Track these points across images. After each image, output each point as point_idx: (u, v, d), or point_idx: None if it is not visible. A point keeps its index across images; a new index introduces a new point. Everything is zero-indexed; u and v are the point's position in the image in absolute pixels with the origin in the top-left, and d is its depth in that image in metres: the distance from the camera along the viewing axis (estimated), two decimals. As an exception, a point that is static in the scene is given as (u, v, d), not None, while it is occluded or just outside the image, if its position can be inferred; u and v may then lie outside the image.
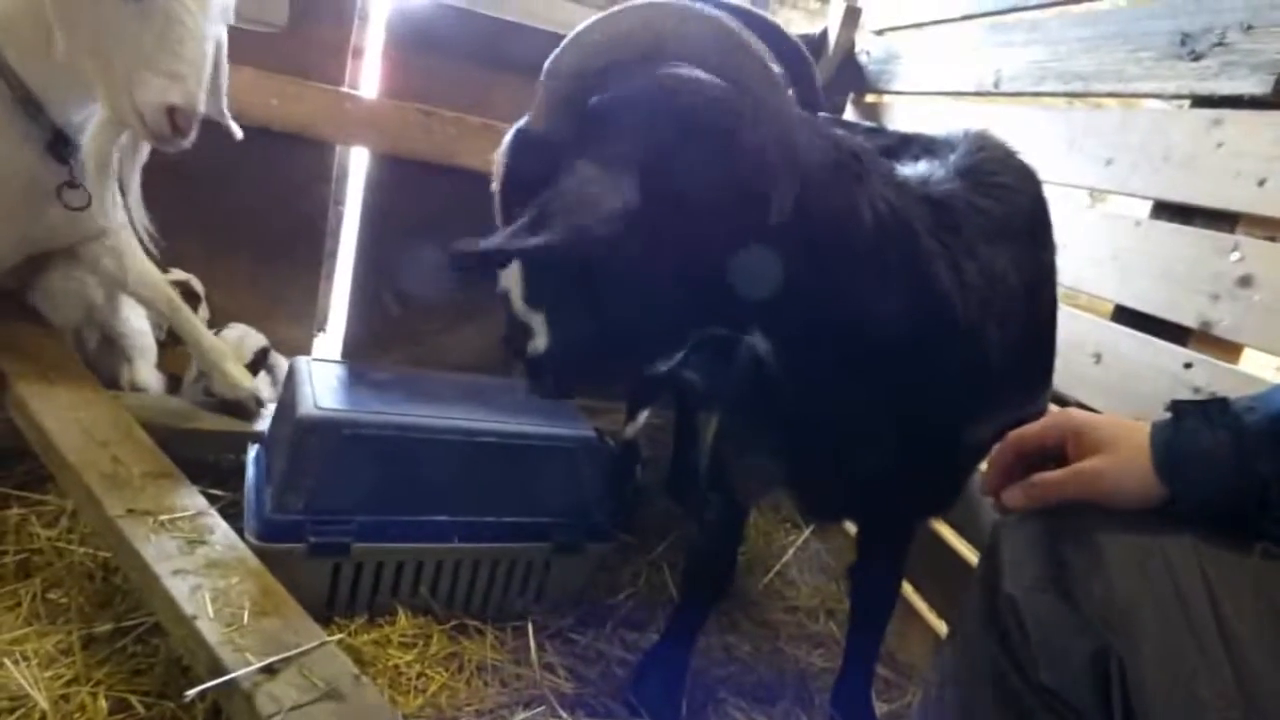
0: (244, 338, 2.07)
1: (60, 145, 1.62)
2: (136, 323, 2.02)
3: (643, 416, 2.19)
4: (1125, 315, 1.52)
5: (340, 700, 1.14)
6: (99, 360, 1.98)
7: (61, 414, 1.57)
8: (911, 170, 1.18)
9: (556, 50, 1.05)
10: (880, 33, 2.43)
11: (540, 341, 1.09)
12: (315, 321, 2.57)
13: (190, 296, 2.07)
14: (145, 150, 1.77)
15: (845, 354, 1.10)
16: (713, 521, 1.59)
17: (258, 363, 2.07)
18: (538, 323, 1.09)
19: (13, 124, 1.56)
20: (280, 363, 2.13)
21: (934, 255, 1.07)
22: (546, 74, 1.05)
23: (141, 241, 1.85)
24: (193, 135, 1.48)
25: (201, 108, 1.47)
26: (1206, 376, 1.31)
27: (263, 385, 2.07)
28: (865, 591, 1.62)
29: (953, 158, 1.21)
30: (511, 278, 1.10)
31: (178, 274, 2.10)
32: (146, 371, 2.02)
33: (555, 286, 1.07)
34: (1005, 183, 1.21)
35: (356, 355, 2.42)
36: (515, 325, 1.11)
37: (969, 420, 1.21)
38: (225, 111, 1.76)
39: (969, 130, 1.37)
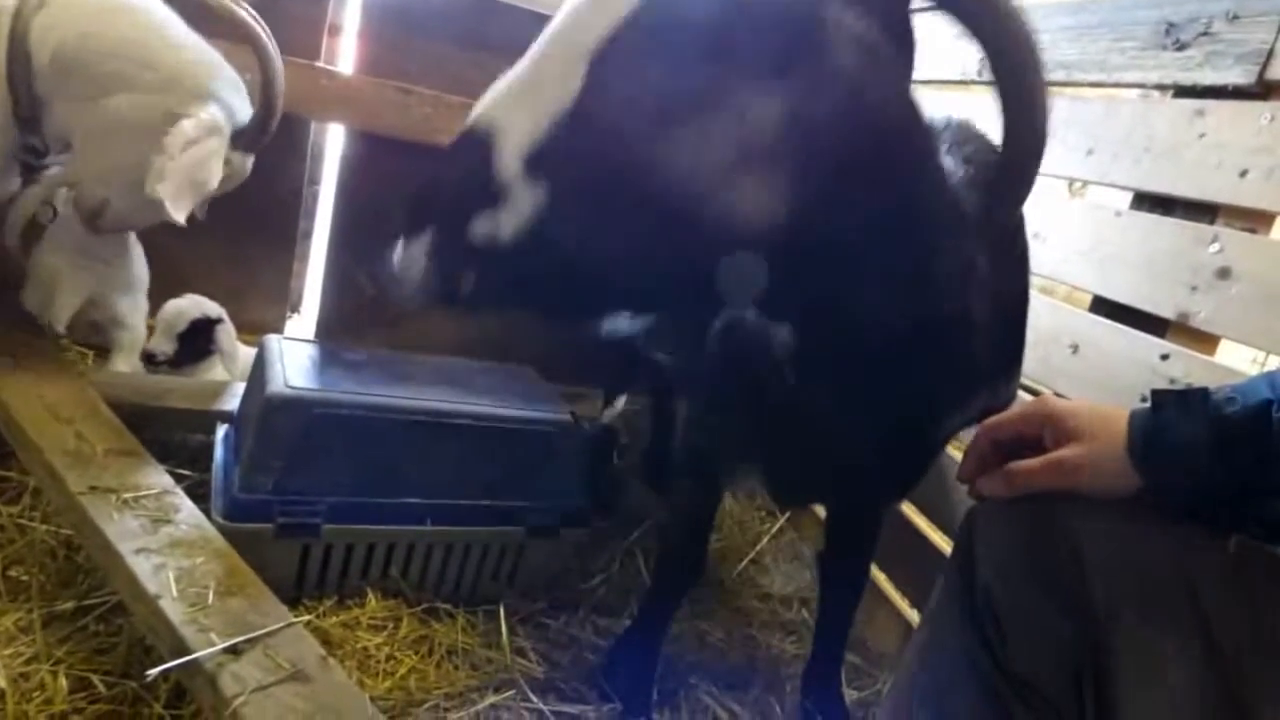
0: (184, 310, 1.98)
1: (32, 155, 1.62)
2: (132, 319, 1.99)
3: (620, 401, 2.18)
4: (1104, 306, 1.52)
5: (306, 682, 1.12)
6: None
7: (25, 390, 1.54)
8: None
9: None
10: (865, 20, 2.42)
11: (510, 220, 0.80)
12: (289, 302, 2.53)
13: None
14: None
15: (845, 340, 1.02)
16: (684, 507, 1.58)
17: (192, 333, 1.99)
18: (522, 195, 0.81)
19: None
20: (227, 339, 2.04)
21: (954, 245, 1.05)
22: None
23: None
24: None
25: None
26: (1183, 368, 1.32)
27: (214, 363, 2.05)
28: (834, 578, 1.62)
29: (942, 148, 1.20)
30: (523, 120, 0.81)
31: (208, 305, 2.04)
32: (123, 362, 1.99)
33: (584, 158, 0.81)
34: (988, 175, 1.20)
35: (330, 336, 2.39)
36: (477, 181, 0.81)
37: (948, 408, 1.21)
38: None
39: (951, 119, 1.37)
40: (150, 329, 2.04)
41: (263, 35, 1.64)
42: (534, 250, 0.81)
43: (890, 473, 1.31)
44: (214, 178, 1.56)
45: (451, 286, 0.84)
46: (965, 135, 1.30)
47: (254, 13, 1.65)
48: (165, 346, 1.97)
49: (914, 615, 1.84)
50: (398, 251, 0.84)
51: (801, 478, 1.36)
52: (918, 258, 0.97)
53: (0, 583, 1.42)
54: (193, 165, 1.51)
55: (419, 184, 0.85)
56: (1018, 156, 0.88)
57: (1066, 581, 0.84)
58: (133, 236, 1.90)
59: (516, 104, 0.82)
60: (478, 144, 0.80)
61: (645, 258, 0.86)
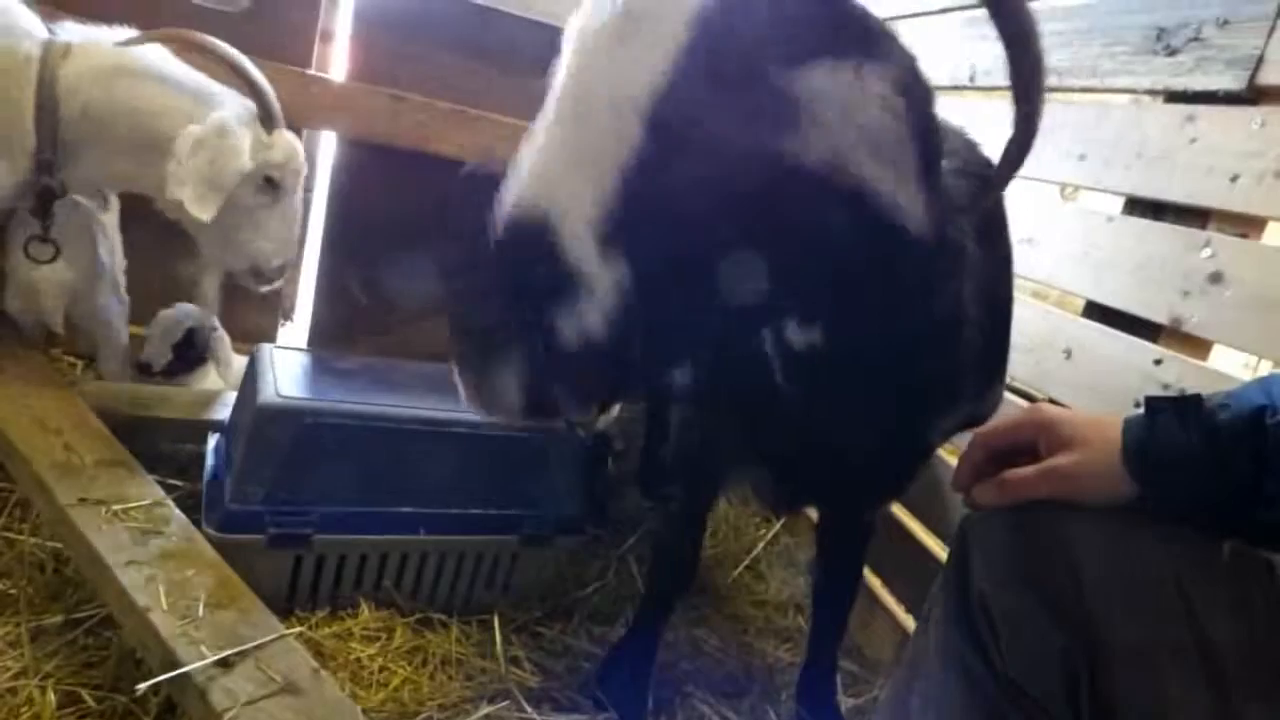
0: (179, 319, 1.99)
1: (46, 198, 1.62)
2: (111, 315, 1.97)
3: (615, 408, 2.17)
4: (1096, 311, 1.52)
5: (298, 694, 1.12)
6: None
7: (12, 400, 1.53)
8: None
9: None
10: (857, 26, 2.42)
11: (595, 310, 0.72)
12: (281, 310, 2.52)
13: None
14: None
15: (844, 347, 0.98)
16: (677, 513, 1.58)
17: (187, 342, 1.99)
18: (602, 277, 0.71)
19: (15, 173, 1.58)
20: (221, 346, 2.04)
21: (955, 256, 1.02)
22: None
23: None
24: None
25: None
26: (1176, 373, 1.32)
27: (209, 372, 2.04)
28: (827, 585, 1.62)
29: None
30: (590, 195, 0.71)
31: (201, 314, 2.04)
32: (113, 363, 1.98)
33: (658, 218, 0.72)
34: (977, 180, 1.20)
35: (323, 345, 2.38)
36: (546, 278, 0.71)
37: (940, 411, 1.21)
38: None
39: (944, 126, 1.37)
40: (140, 337, 2.03)
41: (251, 69, 1.69)
42: (626, 332, 0.74)
43: (882, 476, 1.31)
44: (230, 175, 1.58)
45: (552, 399, 0.77)
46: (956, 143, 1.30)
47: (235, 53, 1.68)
48: (161, 356, 1.96)
49: (909, 622, 1.84)
50: (478, 382, 0.76)
51: (794, 482, 1.35)
52: (923, 276, 0.95)
53: (-12, 596, 1.41)
54: (205, 166, 1.54)
55: (475, 295, 0.75)
56: (1025, 139, 0.88)
57: (1061, 589, 0.83)
58: (103, 228, 1.89)
59: (570, 175, 0.73)
60: (536, 232, 0.71)
61: (725, 302, 0.81)
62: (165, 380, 1.97)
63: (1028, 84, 0.85)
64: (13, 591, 1.42)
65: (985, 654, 0.86)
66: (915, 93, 0.80)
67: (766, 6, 0.74)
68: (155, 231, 1.77)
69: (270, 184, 1.70)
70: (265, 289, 1.85)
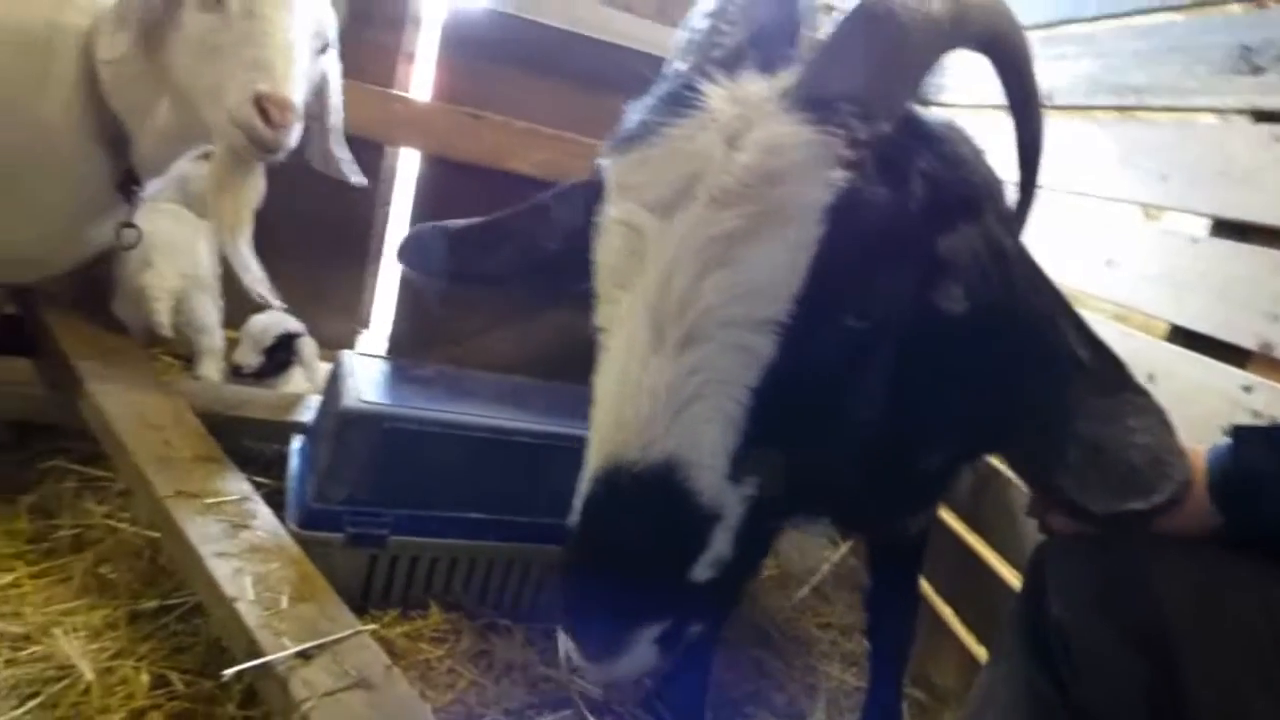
0: (269, 325, 2.11)
1: (129, 184, 1.64)
2: (210, 320, 2.09)
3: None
4: (1181, 335, 1.48)
5: (372, 690, 1.15)
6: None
7: (118, 397, 1.62)
8: None
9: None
10: (931, 46, 2.41)
11: (726, 537, 0.69)
12: (360, 318, 2.62)
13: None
14: (254, 190, 1.64)
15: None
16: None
17: (277, 347, 2.11)
18: (733, 506, 0.69)
19: (91, 158, 1.60)
20: (308, 350, 2.16)
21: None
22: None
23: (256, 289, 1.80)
24: (292, 133, 1.44)
25: (294, 97, 1.42)
26: (1266, 400, 1.27)
27: (295, 374, 2.15)
28: (882, 606, 1.59)
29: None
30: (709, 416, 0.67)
31: (289, 320, 2.15)
32: (211, 367, 2.10)
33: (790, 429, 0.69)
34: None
35: (399, 353, 2.46)
36: (681, 534, 0.68)
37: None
38: (335, 155, 1.76)
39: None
40: (232, 341, 2.15)
41: None
42: (755, 532, 0.71)
43: (931, 495, 1.30)
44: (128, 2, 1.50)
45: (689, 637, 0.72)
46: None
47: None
48: (252, 359, 2.08)
49: (980, 651, 1.80)
50: (604, 644, 0.69)
51: (853, 505, 1.34)
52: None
53: (91, 579, 1.50)
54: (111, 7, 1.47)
55: (596, 551, 0.68)
56: (1033, 160, 0.92)
57: (1143, 620, 0.81)
58: (204, 238, 1.98)
59: (695, 408, 0.67)
60: (663, 487, 0.66)
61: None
62: (255, 382, 2.09)
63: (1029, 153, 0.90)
64: (113, 576, 1.52)
65: (1061, 686, 0.84)
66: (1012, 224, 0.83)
67: (899, 186, 0.73)
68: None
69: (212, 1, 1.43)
70: (276, 134, 1.42)
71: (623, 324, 0.70)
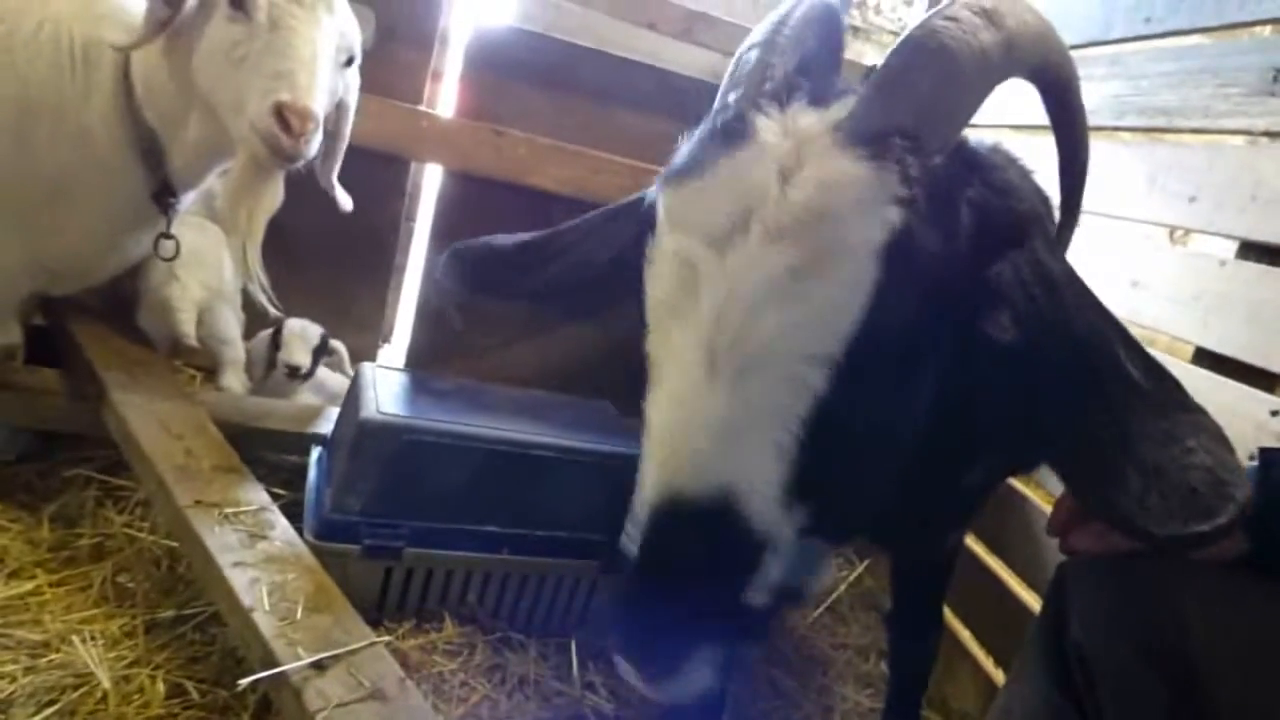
0: (307, 326, 2.19)
1: (165, 195, 1.67)
2: (233, 332, 2.13)
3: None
4: (1207, 359, 1.46)
5: (385, 702, 1.15)
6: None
7: (141, 406, 1.64)
8: None
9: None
10: (955, 65, 2.41)
11: (777, 560, 0.72)
12: (381, 332, 2.64)
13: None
14: (272, 198, 1.63)
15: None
16: None
17: (320, 347, 2.20)
18: (785, 532, 0.71)
19: (129, 170, 1.63)
20: (342, 349, 2.27)
21: None
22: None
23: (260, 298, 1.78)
24: (313, 142, 1.44)
25: (316, 107, 1.43)
26: (1293, 425, 1.25)
27: (325, 372, 2.24)
28: (905, 634, 1.57)
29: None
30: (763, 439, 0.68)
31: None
32: (233, 378, 2.12)
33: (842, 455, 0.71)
34: None
35: (419, 366, 2.47)
36: (733, 562, 0.70)
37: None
38: (334, 181, 1.83)
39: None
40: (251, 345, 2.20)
41: None
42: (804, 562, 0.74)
43: (971, 509, 1.28)
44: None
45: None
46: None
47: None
48: (306, 359, 2.14)
49: (998, 673, 1.77)
50: (660, 669, 0.71)
51: (893, 522, 1.34)
52: None
53: (109, 588, 1.51)
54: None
55: (649, 580, 0.71)
56: (1079, 185, 0.92)
57: (1166, 643, 0.80)
58: (225, 248, 2.01)
59: (747, 439, 0.68)
60: (718, 516, 0.67)
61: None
62: (302, 381, 2.17)
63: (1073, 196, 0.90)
64: (131, 585, 1.53)
65: (1079, 705, 0.83)
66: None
67: (950, 219, 0.73)
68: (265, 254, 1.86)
69: (237, 7, 1.43)
70: (296, 144, 1.41)
71: (676, 355, 0.71)
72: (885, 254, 0.68)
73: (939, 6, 0.77)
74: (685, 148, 0.79)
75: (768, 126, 0.73)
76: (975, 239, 0.75)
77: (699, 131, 0.80)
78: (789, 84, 0.80)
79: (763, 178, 0.70)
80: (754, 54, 0.86)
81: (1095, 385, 0.77)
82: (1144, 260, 1.61)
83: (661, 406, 0.72)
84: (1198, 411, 0.78)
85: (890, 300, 0.69)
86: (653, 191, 0.80)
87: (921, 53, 0.73)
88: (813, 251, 0.67)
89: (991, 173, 0.82)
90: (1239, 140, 1.50)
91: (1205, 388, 1.43)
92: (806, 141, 0.71)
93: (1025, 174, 1.03)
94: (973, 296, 0.76)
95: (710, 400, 0.68)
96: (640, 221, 0.82)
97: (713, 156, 0.74)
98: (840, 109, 0.75)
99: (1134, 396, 0.77)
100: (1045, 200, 1.06)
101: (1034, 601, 1.68)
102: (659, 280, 0.75)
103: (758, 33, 0.90)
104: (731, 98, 0.83)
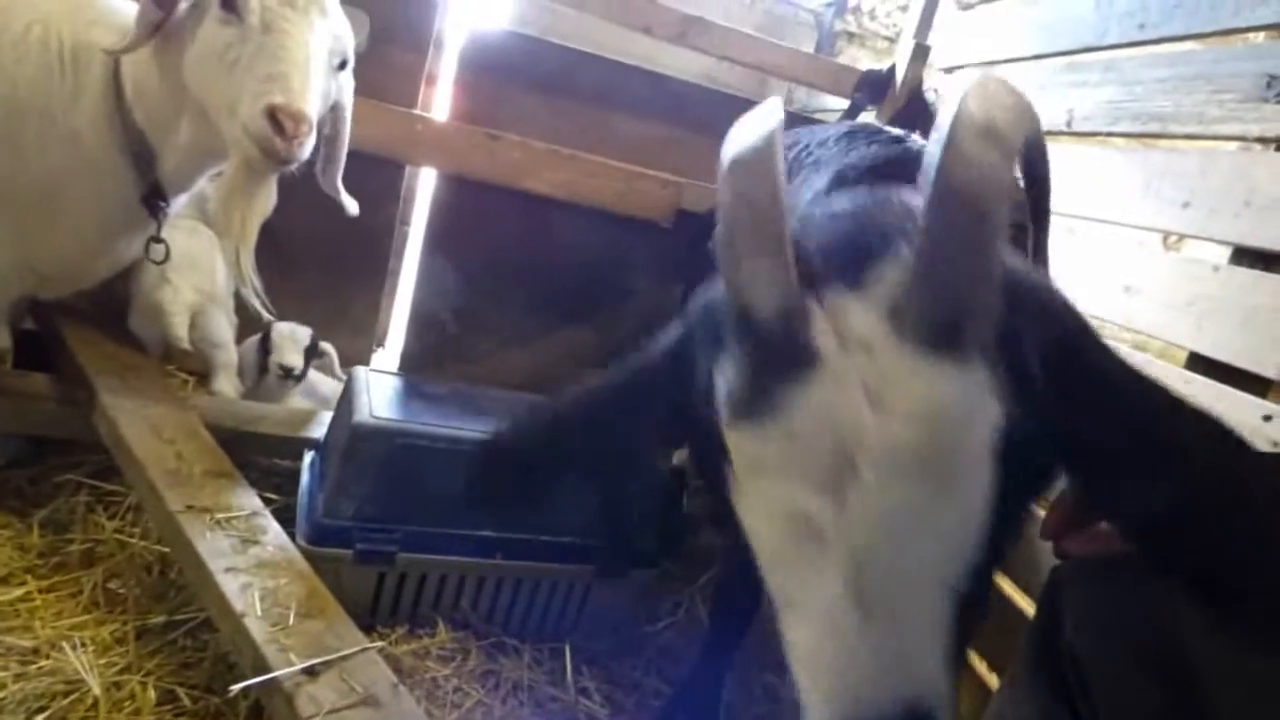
0: (297, 328, 2.18)
1: (155, 198, 1.66)
2: (225, 336, 2.12)
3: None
4: (1200, 364, 1.46)
5: (378, 708, 1.15)
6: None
7: (132, 410, 1.63)
8: None
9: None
10: (950, 70, 2.42)
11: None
12: (375, 336, 2.63)
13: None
14: (265, 202, 1.60)
15: None
16: (736, 548, 1.56)
17: (311, 349, 2.18)
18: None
19: (119, 173, 1.62)
20: (331, 351, 2.25)
21: None
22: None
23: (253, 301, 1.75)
24: (306, 145, 1.43)
25: (309, 109, 1.42)
26: (1286, 431, 1.25)
27: (316, 375, 2.22)
28: None
29: None
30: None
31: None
32: (226, 382, 2.11)
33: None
34: None
35: (412, 370, 2.47)
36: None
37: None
38: (339, 186, 1.82)
39: None
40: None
41: None
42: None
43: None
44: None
45: None
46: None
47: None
48: (299, 361, 2.12)
49: (991, 678, 1.77)
50: None
51: None
52: None
53: (100, 594, 1.50)
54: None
55: None
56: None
57: (1161, 647, 0.80)
58: (218, 251, 2.00)
59: (910, 664, 0.67)
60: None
61: None
62: (294, 384, 2.15)
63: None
64: (122, 591, 1.52)
65: (1073, 710, 0.83)
66: None
67: (1027, 376, 0.70)
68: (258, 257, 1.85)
69: (229, 9, 1.42)
70: (290, 146, 1.40)
71: (815, 597, 0.69)
72: (999, 445, 0.66)
73: (943, 145, 0.67)
74: (734, 369, 0.70)
75: (824, 338, 0.67)
76: (1049, 380, 0.71)
77: (736, 343, 0.71)
78: (802, 267, 0.70)
79: (851, 409, 0.65)
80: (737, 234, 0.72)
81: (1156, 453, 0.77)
82: (1138, 266, 1.61)
83: (811, 644, 0.70)
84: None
85: (1010, 476, 0.67)
86: (729, 431, 0.72)
87: (962, 212, 0.66)
88: (934, 480, 0.65)
89: (1028, 298, 0.73)
90: (1233, 146, 1.51)
91: (1198, 393, 1.43)
92: (874, 350, 0.66)
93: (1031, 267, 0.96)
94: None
95: (867, 637, 0.66)
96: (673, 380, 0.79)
97: (780, 389, 0.67)
98: (881, 290, 0.68)
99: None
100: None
101: (1028, 606, 1.68)
102: (773, 531, 0.71)
103: (727, 216, 0.73)
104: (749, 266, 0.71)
